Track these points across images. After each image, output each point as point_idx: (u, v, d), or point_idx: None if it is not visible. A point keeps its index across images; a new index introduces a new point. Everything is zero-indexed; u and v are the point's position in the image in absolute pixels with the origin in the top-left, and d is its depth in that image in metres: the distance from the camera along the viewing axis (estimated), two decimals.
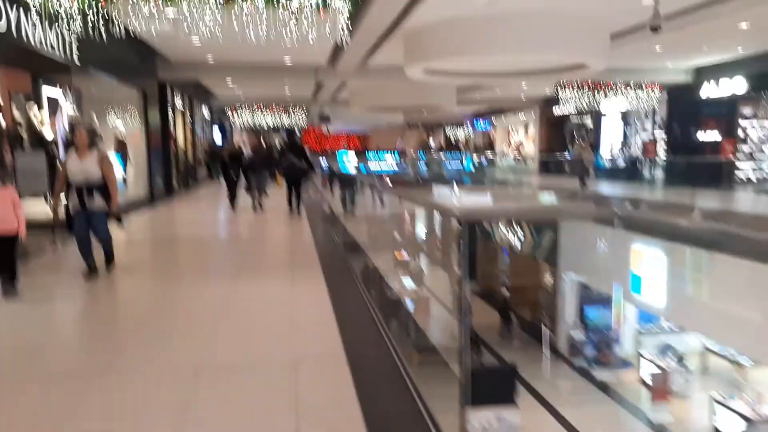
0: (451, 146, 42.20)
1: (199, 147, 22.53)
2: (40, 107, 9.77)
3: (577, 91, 17.32)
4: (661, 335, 7.98)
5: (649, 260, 6.50)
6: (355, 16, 8.86)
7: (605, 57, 10.72)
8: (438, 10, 9.67)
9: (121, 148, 13.11)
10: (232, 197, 12.38)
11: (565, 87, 17.40)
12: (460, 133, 42.73)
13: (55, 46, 8.62)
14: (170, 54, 14.51)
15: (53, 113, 10.03)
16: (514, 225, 19.55)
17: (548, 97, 25.52)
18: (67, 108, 10.15)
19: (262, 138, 38.43)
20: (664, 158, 19.04)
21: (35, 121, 9.65)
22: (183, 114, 19.45)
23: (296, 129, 40.72)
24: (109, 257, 6.41)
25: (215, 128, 28.74)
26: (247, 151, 13.80)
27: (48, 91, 9.80)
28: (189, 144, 20.56)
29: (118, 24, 6.93)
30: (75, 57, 9.09)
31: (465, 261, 3.26)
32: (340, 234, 10.03)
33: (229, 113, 31.42)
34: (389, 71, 16.29)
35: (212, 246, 8.63)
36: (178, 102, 18.55)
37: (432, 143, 41.87)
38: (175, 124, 17.77)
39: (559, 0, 9.25)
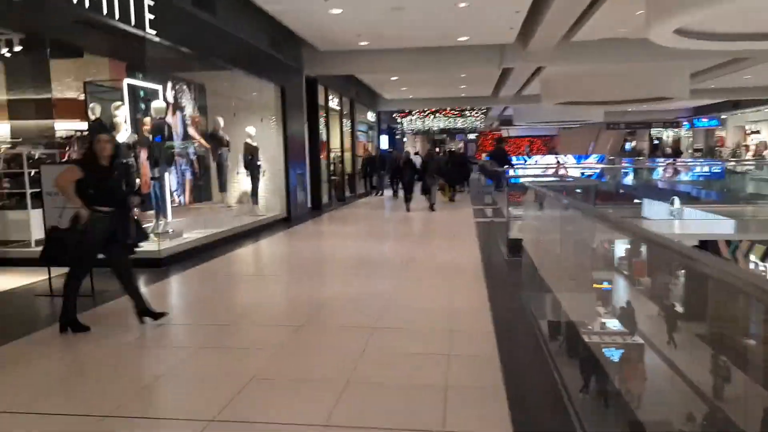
0: (656, 150, 34.96)
1: (361, 155, 19.67)
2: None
3: None
4: None
5: None
6: None
7: None
8: None
9: (251, 156, 10.45)
10: (407, 200, 13.88)
11: None
12: (669, 134, 35.23)
13: (152, 28, 6.18)
14: (315, 39, 11.61)
15: (145, 112, 7.46)
16: None
17: None
18: (160, 104, 7.51)
19: (435, 145, 35.52)
20: None
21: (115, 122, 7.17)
22: (340, 117, 16.75)
23: (472, 134, 37.27)
24: None
25: (383, 135, 26.04)
26: (417, 158, 16.32)
27: (133, 82, 7.22)
28: (348, 152, 17.84)
29: None
30: (178, 42, 6.48)
31: None
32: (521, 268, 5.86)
33: (399, 119, 28.77)
34: (602, 48, 11.74)
35: (305, 325, 4.86)
36: (335, 104, 15.85)
37: (633, 146, 35.05)
38: (328, 129, 15.04)
39: None
